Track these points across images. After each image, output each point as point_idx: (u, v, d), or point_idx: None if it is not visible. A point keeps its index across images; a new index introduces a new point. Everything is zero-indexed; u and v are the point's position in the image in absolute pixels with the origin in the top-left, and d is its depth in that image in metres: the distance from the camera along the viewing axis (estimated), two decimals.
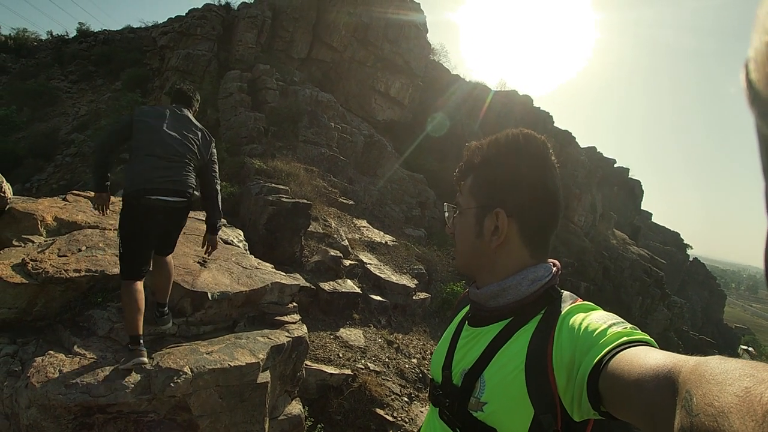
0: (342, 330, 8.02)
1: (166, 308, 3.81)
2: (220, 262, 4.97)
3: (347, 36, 19.60)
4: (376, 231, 13.27)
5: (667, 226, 55.40)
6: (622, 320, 0.87)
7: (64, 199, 5.83)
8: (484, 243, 1.10)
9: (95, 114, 19.47)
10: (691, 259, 57.90)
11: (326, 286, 8.53)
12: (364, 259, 10.51)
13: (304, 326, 4.77)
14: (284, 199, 9.51)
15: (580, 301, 1.02)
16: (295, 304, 4.95)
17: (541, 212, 1.09)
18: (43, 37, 29.60)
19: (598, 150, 34.46)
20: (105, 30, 29.06)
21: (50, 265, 3.83)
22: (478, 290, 1.13)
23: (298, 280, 5.58)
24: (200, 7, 20.01)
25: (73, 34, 29.11)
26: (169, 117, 3.62)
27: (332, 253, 9.52)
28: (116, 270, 3.97)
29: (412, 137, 22.29)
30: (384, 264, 10.95)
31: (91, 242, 4.53)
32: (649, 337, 0.81)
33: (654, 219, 51.93)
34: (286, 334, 4.39)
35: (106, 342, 3.57)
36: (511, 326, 1.03)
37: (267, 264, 5.51)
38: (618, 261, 24.49)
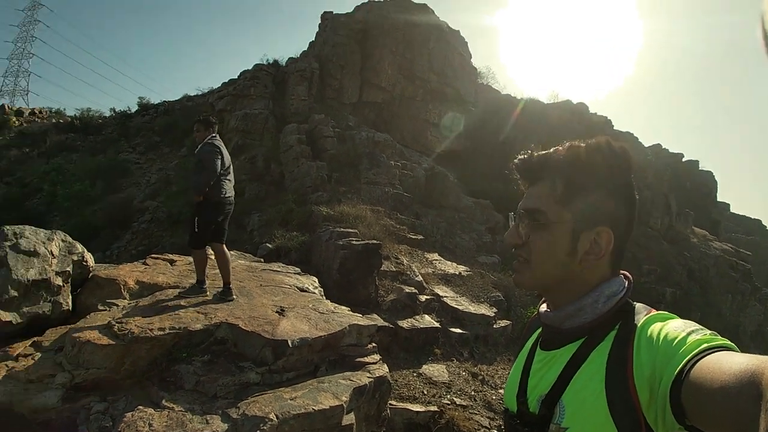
0: (424, 366, 7.90)
1: (228, 287, 5.30)
2: (297, 310, 5.12)
3: (394, 74, 20.04)
4: (448, 263, 13.15)
5: (747, 215, 51.53)
6: (701, 327, 0.84)
7: (144, 263, 6.22)
8: (574, 262, 1.02)
9: (165, 181, 20.68)
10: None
11: (404, 323, 8.48)
12: (440, 293, 10.40)
13: (385, 365, 4.76)
14: (354, 242, 9.63)
15: (654, 312, 0.97)
16: (374, 344, 4.97)
17: (631, 226, 1.05)
18: (107, 114, 32.01)
19: (663, 147, 32.92)
20: (164, 101, 31.11)
21: (135, 325, 4.07)
22: (552, 313, 1.08)
23: (375, 320, 5.63)
24: (251, 68, 21.09)
25: (134, 108, 31.41)
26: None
27: (407, 290, 9.50)
28: (199, 325, 4.27)
29: (472, 164, 22.19)
30: (460, 295, 10.79)
31: (173, 302, 4.84)
32: (730, 342, 0.77)
33: (733, 209, 48.35)
34: (368, 374, 4.40)
35: (193, 395, 3.73)
36: (587, 345, 0.98)
37: (343, 307, 5.59)
38: (701, 260, 22.92)
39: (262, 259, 8.86)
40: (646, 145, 27.24)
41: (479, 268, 13.72)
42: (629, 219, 1.03)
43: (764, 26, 0.36)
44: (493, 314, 10.11)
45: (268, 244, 10.90)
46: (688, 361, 0.75)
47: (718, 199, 40.32)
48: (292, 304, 5.22)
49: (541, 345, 1.11)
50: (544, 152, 1.07)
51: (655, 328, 0.89)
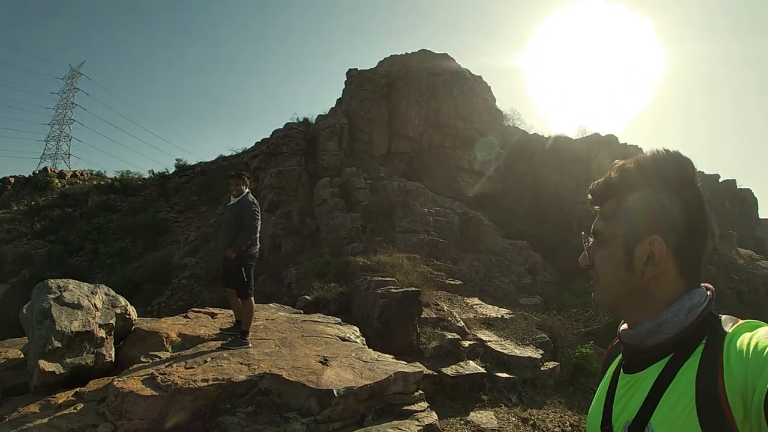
0: (472, 414, 7.68)
1: (246, 333, 5.43)
2: (340, 359, 5.11)
3: (421, 124, 20.42)
4: (489, 306, 12.96)
5: None
6: None
7: (185, 317, 6.34)
8: (636, 275, 1.01)
9: (204, 238, 21.21)
10: None
11: (449, 370, 8.32)
12: (483, 337, 10.21)
13: (434, 413, 4.67)
14: (393, 290, 9.62)
15: (742, 321, 0.93)
16: (421, 392, 4.89)
17: (698, 241, 1.02)
18: (146, 176, 33.23)
19: (698, 170, 32.01)
20: (200, 162, 32.27)
21: (178, 377, 4.11)
22: (632, 331, 1.04)
23: (420, 367, 5.53)
24: (282, 127, 21.77)
25: (172, 169, 32.58)
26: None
27: (449, 336, 9.35)
28: (242, 376, 4.32)
29: (506, 206, 22.11)
30: (504, 339, 10.56)
31: (216, 353, 4.88)
32: None
33: None
34: (416, 422, 4.32)
35: None
36: (673, 363, 0.94)
37: (387, 355, 5.56)
38: (750, 281, 21.97)
39: (301, 311, 8.91)
40: None
41: (521, 310, 13.44)
42: (690, 224, 1.00)
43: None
44: (540, 356, 9.82)
45: (306, 296, 10.98)
46: None
47: (761, 216, 38.90)
48: (334, 354, 5.20)
49: (624, 369, 1.08)
50: (605, 178, 1.10)
51: (744, 338, 0.85)
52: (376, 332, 8.92)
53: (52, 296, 4.62)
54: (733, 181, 37.68)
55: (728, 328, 0.91)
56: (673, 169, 1.02)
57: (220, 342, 5.36)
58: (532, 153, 24.06)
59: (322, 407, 4.17)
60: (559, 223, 22.14)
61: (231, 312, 6.36)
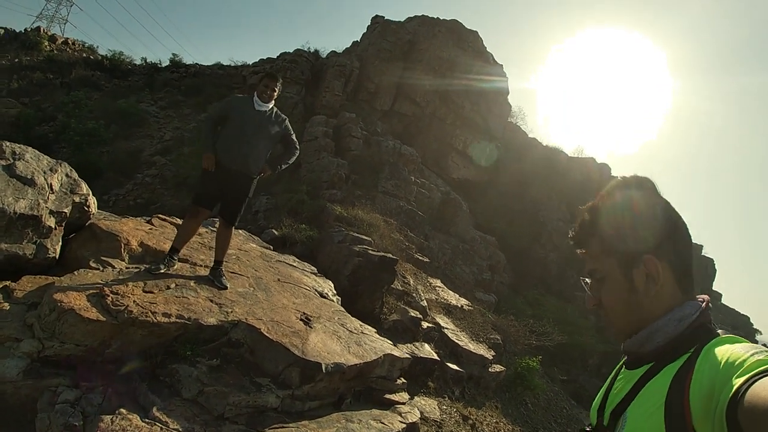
0: (416, 398, 7.39)
1: (220, 267, 4.59)
2: (324, 322, 4.57)
3: (430, 93, 19.73)
4: (450, 292, 12.74)
5: (737, 309, 52.10)
6: (766, 349, 0.85)
7: (149, 222, 5.61)
8: (640, 296, 1.07)
9: (179, 140, 20.20)
10: (760, 345, 53.74)
11: (404, 348, 8.02)
12: (441, 323, 9.95)
13: (416, 409, 4.29)
14: (371, 252, 9.19)
15: (729, 335, 0.97)
16: (404, 380, 4.49)
17: (683, 245, 1.08)
18: (138, 62, 31.42)
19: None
20: (196, 63, 30.60)
21: (134, 302, 3.38)
22: (629, 340, 1.11)
23: (406, 353, 5.05)
24: (291, 51, 20.74)
25: (165, 63, 30.84)
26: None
27: (411, 314, 9.05)
28: (212, 319, 3.68)
29: (484, 197, 21.88)
30: (461, 330, 10.36)
31: (181, 280, 4.18)
32: None
33: (724, 300, 48.78)
34: (399, 419, 3.92)
35: (194, 408, 3.06)
36: (658, 365, 1.02)
37: (369, 327, 5.12)
38: None
39: (271, 246, 8.36)
40: None
41: (477, 304, 13.34)
42: (673, 237, 1.07)
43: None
44: (491, 357, 9.68)
45: (274, 231, 10.45)
46: (746, 380, 0.75)
47: (713, 288, 40.57)
48: (315, 313, 4.64)
49: (625, 365, 1.16)
50: (580, 221, 1.18)
51: (721, 349, 0.90)
52: (343, 289, 8.47)
53: (3, 163, 3.77)
54: (701, 247, 38.93)
55: (713, 338, 0.97)
56: (638, 191, 1.09)
57: (187, 264, 4.70)
58: (525, 156, 23.84)
59: (304, 381, 3.60)
60: (530, 230, 22.13)
61: (201, 230, 5.67)
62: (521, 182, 23.04)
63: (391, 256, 9.56)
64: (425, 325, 9.24)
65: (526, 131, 25.86)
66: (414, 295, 10.14)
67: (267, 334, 3.73)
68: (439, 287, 12.75)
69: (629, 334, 1.11)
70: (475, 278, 17.49)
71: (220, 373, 3.39)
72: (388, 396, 4.17)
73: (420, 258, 13.27)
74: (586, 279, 1.20)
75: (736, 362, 0.82)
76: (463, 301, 12.43)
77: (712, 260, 39.98)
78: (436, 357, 8.32)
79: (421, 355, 8.04)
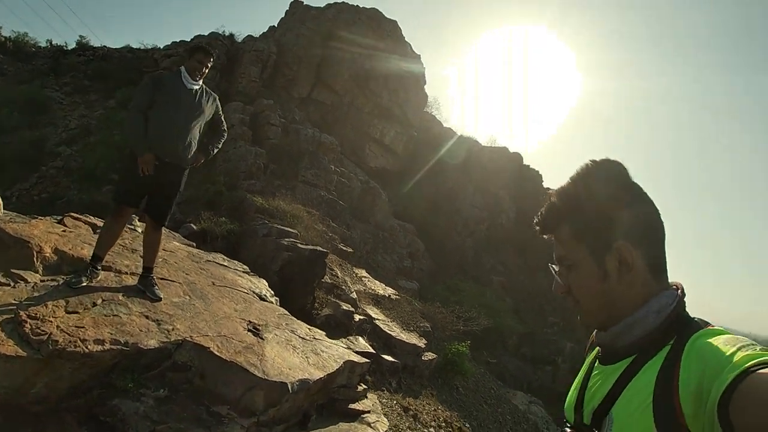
0: None
1: (150, 275, 4.03)
2: (274, 331, 4.16)
3: (349, 81, 19.38)
4: (377, 282, 12.64)
5: None
6: (753, 342, 0.84)
7: (61, 222, 4.87)
8: (612, 284, 1.03)
9: (85, 129, 18.58)
10: (742, 336, 59.64)
11: (340, 344, 7.79)
12: (372, 314, 9.82)
13: (384, 417, 4.07)
14: (300, 246, 8.83)
15: (711, 327, 0.95)
16: (365, 386, 4.25)
17: (656, 231, 1.05)
18: (42, 44, 28.55)
19: None
20: (104, 46, 28.22)
21: (58, 327, 2.82)
22: (603, 333, 1.08)
23: (364, 357, 4.74)
24: (206, 34, 19.59)
25: (72, 45, 28.22)
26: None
27: (344, 307, 8.83)
28: (153, 341, 3.17)
29: (402, 186, 21.98)
30: (391, 320, 10.27)
31: (108, 293, 3.57)
32: None
33: None
34: (370, 430, 3.65)
35: None
36: (639, 360, 0.98)
37: (319, 331, 4.82)
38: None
39: (194, 244, 7.78)
40: None
41: (403, 292, 13.38)
42: (646, 223, 1.04)
43: None
44: (424, 345, 9.68)
45: (192, 225, 9.79)
46: (737, 376, 0.74)
47: None
48: (261, 320, 4.21)
49: (599, 360, 1.13)
50: (547, 205, 1.13)
51: (705, 342, 0.88)
52: (273, 286, 8.06)
53: None
54: None
55: (695, 331, 0.93)
56: (610, 175, 1.05)
57: (111, 273, 4.07)
58: (441, 146, 24.18)
59: (269, 404, 3.18)
60: (447, 219, 22.53)
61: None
62: (437, 171, 23.36)
63: (321, 249, 9.28)
64: (357, 317, 9.06)
65: (441, 121, 26.24)
66: (343, 287, 9.93)
67: (218, 353, 3.29)
68: (366, 278, 12.62)
69: (601, 324, 1.08)
70: (397, 266, 17.56)
71: (170, 405, 2.91)
72: (352, 406, 3.92)
73: (344, 248, 13.05)
74: (554, 266, 1.16)
75: (724, 356, 0.81)
76: (390, 291, 12.38)
77: None
78: (371, 350, 8.17)
79: (357, 350, 7.84)
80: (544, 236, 1.17)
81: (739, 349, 0.81)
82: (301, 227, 10.87)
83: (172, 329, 3.40)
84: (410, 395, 8.38)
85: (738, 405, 0.72)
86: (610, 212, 1.03)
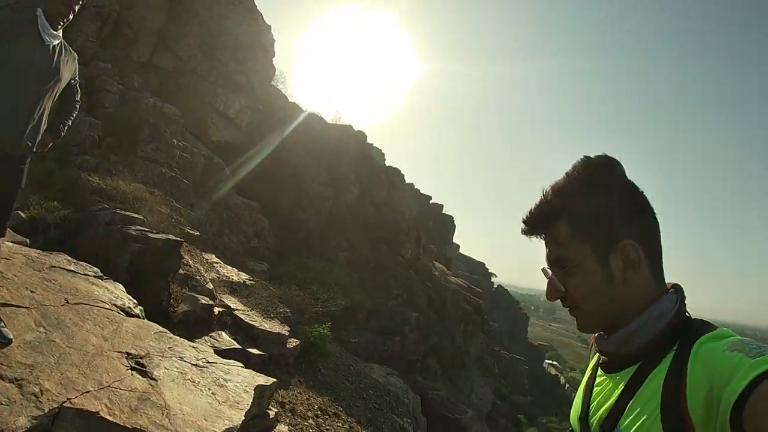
0: None
1: None
2: (162, 363, 3.51)
3: (194, 46, 17.75)
4: (229, 267, 12.02)
5: (473, 257, 62.48)
6: (758, 344, 0.81)
7: None
8: (618, 286, 0.98)
9: None
10: (495, 286, 65.81)
11: (203, 343, 7.24)
12: (231, 305, 9.31)
13: None
14: (151, 236, 7.94)
15: (714, 330, 0.91)
16: (275, 409, 3.92)
17: (656, 227, 1.03)
18: None
19: (415, 187, 36.96)
20: None
21: None
22: (605, 340, 1.04)
23: (270, 377, 4.29)
24: None
25: None
26: None
27: (202, 301, 8.21)
28: (22, 419, 2.43)
29: (245, 162, 21.06)
30: (250, 308, 9.82)
31: None
32: None
33: (461, 250, 57.52)
34: None
35: None
36: (643, 369, 0.94)
37: (207, 350, 4.37)
38: (441, 291, 26.07)
39: (27, 240, 6.56)
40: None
41: (255, 276, 12.91)
42: (645, 220, 1.02)
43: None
44: (287, 332, 9.44)
45: (20, 212, 8.29)
46: (750, 383, 0.72)
47: (453, 240, 47.33)
48: (140, 348, 3.51)
49: (601, 368, 1.09)
50: (538, 203, 1.06)
51: (711, 347, 0.85)
52: (125, 287, 7.19)
53: None
54: (441, 206, 44.69)
55: (699, 335, 0.90)
56: (609, 170, 1.02)
57: None
58: (286, 120, 23.60)
59: None
60: (291, 195, 22.18)
61: None
62: (282, 147, 22.77)
63: (174, 237, 8.50)
64: (217, 310, 8.51)
65: (287, 95, 25.55)
66: (197, 277, 9.24)
67: (111, 418, 2.60)
68: (217, 263, 11.93)
69: (603, 329, 1.05)
70: (244, 247, 16.93)
71: None
72: None
73: (190, 232, 12.10)
74: (547, 269, 1.08)
75: (734, 362, 0.78)
76: (244, 276, 11.87)
77: (451, 217, 46.41)
78: (237, 346, 7.79)
79: (224, 347, 7.41)
80: (533, 237, 1.10)
81: (748, 353, 0.79)
82: (144, 211, 9.81)
83: (41, 391, 2.63)
84: (281, 387, 8.14)
85: (752, 414, 0.71)
86: (613, 209, 1.00)
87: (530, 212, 1.07)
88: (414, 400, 13.10)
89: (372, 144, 27.36)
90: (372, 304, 19.26)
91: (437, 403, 17.77)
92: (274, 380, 3.95)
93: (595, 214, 1.00)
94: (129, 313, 4.57)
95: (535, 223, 1.07)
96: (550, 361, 73.36)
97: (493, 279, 67.02)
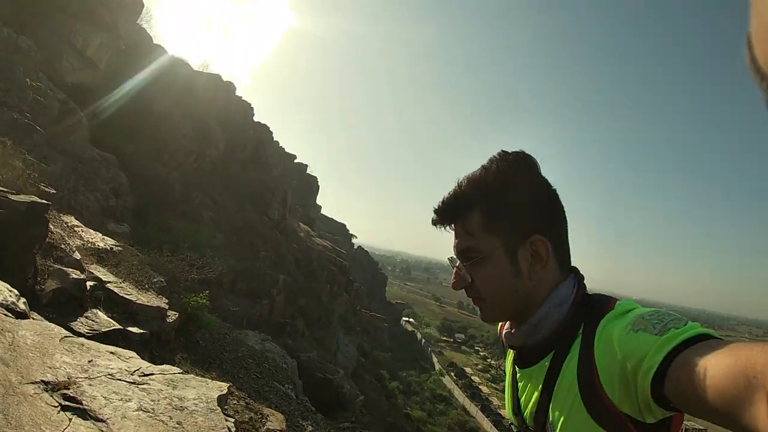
0: None
1: None
2: (96, 389, 2.88)
3: None
4: (92, 232, 10.90)
5: (335, 218, 63.35)
6: (659, 315, 0.81)
7: None
8: (524, 279, 1.01)
9: None
10: (356, 247, 67.26)
11: (80, 326, 6.61)
12: (101, 276, 8.48)
13: None
14: (13, 198, 6.90)
15: (613, 305, 0.94)
16: (233, 418, 3.67)
17: (564, 221, 1.07)
18: None
19: (280, 145, 36.09)
20: None
21: None
22: (511, 334, 1.07)
23: (222, 384, 3.89)
24: None
25: None
26: None
27: (73, 275, 7.35)
28: None
29: (101, 108, 18.97)
30: (123, 280, 9.02)
31: None
32: (700, 328, 0.76)
33: (323, 212, 57.97)
34: None
35: None
36: (556, 359, 0.97)
37: (141, 361, 3.91)
38: (307, 252, 26.11)
39: None
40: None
41: (120, 240, 11.86)
42: (556, 216, 1.06)
43: (752, 50, 0.35)
44: (166, 305, 8.86)
45: None
46: (663, 360, 0.72)
47: (316, 201, 47.29)
48: (57, 370, 2.80)
49: (516, 364, 1.11)
50: (452, 193, 1.06)
51: (613, 328, 0.86)
52: None
53: None
54: (306, 166, 44.42)
55: (601, 316, 0.92)
56: (525, 166, 1.05)
57: None
58: (149, 64, 21.55)
59: None
60: (150, 146, 20.58)
61: None
62: (142, 92, 20.82)
63: (39, 200, 7.46)
64: (88, 285, 7.72)
65: (152, 36, 23.26)
66: (62, 246, 8.27)
67: None
68: (78, 227, 10.77)
69: (507, 320, 1.10)
70: (102, 207, 15.47)
71: None
72: None
73: (47, 190, 10.74)
74: (454, 258, 1.09)
75: (641, 343, 0.77)
76: (109, 241, 10.84)
77: (315, 178, 46.21)
78: (117, 326, 7.19)
79: (103, 330, 6.81)
80: (441, 226, 1.10)
81: (652, 330, 0.77)
82: None
83: None
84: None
85: (673, 386, 0.70)
86: (526, 204, 1.02)
87: (443, 201, 1.07)
88: (291, 365, 13.16)
89: (241, 97, 26.09)
90: (239, 267, 18.76)
91: (308, 365, 18.01)
92: (224, 391, 3.61)
93: (510, 208, 1.01)
94: (18, 313, 3.90)
95: (447, 213, 1.07)
96: (407, 318, 79.19)
97: (354, 240, 68.94)
